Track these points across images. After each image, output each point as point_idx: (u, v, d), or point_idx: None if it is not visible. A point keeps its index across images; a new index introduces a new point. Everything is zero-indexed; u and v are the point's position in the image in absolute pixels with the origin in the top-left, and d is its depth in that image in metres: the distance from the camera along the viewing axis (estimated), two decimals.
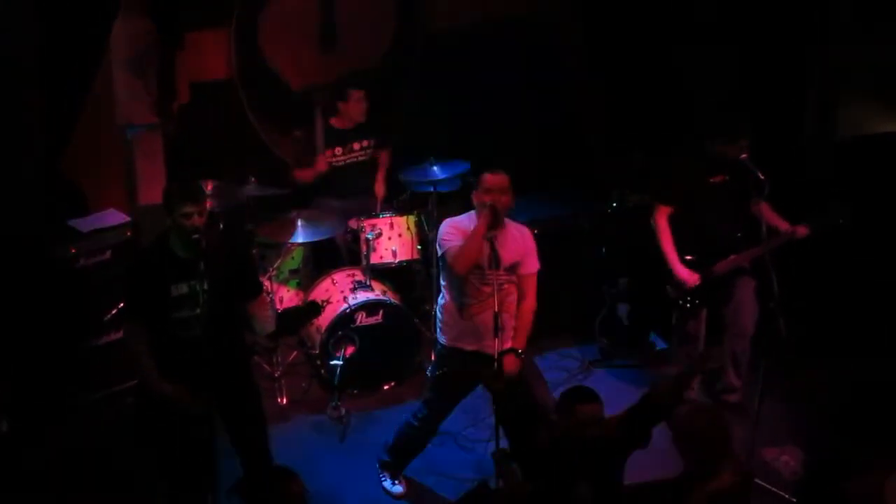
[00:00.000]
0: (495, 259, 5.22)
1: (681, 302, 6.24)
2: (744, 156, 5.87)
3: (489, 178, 5.30)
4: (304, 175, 7.29)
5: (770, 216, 6.07)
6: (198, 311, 4.82)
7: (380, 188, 7.49)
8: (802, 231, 6.05)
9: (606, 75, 8.33)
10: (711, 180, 6.10)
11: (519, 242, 5.42)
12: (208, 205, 5.11)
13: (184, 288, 4.86)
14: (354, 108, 7.26)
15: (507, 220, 5.42)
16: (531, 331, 5.48)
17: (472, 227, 5.29)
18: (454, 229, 5.36)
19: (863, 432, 6.00)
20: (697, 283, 6.14)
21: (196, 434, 4.89)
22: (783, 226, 6.09)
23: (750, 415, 5.90)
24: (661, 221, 6.19)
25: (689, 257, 6.18)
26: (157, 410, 4.94)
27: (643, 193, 7.15)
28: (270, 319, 5.16)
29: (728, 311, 6.35)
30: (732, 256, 6.15)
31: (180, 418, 4.87)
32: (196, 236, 4.79)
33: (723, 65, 7.81)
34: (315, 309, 5.20)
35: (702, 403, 4.16)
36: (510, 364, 5.27)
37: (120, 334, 6.18)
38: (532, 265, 5.46)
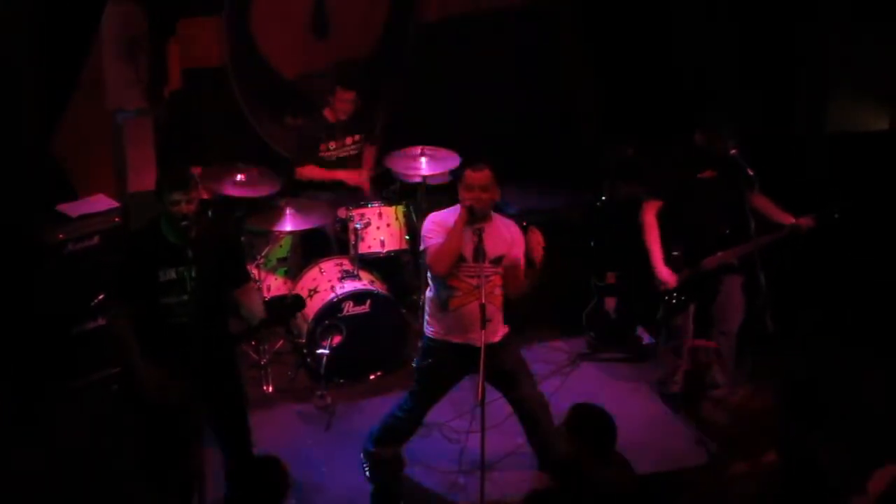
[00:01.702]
0: (481, 252, 5.21)
1: (667, 297, 6.24)
2: (734, 151, 5.85)
3: (470, 175, 5.24)
4: (308, 173, 7.27)
5: (771, 210, 6.05)
6: (185, 297, 4.82)
7: (366, 184, 7.47)
8: (807, 223, 5.98)
9: (599, 66, 8.33)
10: (700, 175, 6.08)
11: (505, 235, 5.41)
12: (198, 192, 5.09)
13: (172, 274, 4.85)
14: (340, 106, 7.25)
15: (494, 214, 5.41)
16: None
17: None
18: (436, 226, 5.33)
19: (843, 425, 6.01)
20: (675, 285, 6.12)
21: (180, 427, 4.83)
22: (786, 219, 6.04)
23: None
24: (649, 217, 6.15)
25: (676, 252, 6.16)
26: (139, 401, 4.92)
27: (634, 186, 7.15)
28: (259, 309, 5.15)
29: (714, 308, 6.34)
30: (720, 252, 6.11)
31: (161, 410, 4.85)
32: (185, 223, 4.78)
33: (718, 57, 7.82)
34: (300, 303, 5.20)
35: (757, 388, 4.16)
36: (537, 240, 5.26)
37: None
38: (520, 252, 5.42)
